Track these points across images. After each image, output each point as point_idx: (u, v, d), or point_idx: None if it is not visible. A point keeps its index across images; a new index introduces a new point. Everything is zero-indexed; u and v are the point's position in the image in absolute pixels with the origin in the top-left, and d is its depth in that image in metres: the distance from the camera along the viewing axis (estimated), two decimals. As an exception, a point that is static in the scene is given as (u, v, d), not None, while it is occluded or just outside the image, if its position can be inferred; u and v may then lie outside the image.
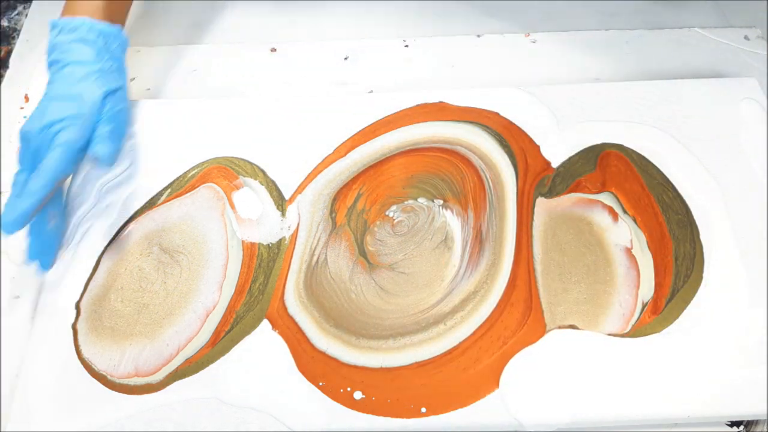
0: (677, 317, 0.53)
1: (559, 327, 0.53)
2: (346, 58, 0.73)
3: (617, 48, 0.72)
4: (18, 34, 0.77)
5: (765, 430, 0.52)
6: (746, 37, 0.73)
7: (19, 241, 0.57)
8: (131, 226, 0.59)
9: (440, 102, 0.66)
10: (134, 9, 0.77)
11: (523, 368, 0.51)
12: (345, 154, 0.62)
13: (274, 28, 0.76)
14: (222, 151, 0.63)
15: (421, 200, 0.60)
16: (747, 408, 0.50)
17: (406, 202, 0.60)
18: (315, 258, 0.57)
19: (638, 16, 0.75)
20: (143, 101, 0.66)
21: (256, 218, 0.59)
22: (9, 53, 0.74)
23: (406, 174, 0.62)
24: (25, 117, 0.68)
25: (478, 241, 0.57)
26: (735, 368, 0.51)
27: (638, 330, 0.52)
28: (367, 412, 0.50)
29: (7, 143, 0.66)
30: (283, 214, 0.59)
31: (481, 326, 0.53)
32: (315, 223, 0.59)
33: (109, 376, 0.51)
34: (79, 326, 0.54)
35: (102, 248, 0.58)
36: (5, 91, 0.70)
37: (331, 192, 0.60)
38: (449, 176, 0.61)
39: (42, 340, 0.53)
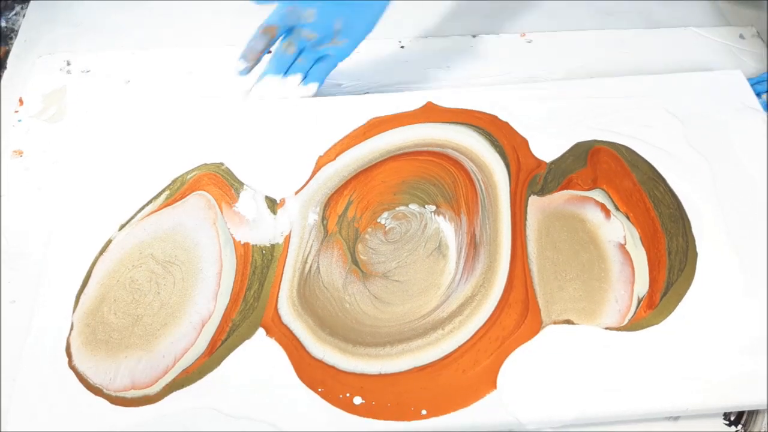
0: (673, 310, 0.54)
1: (554, 322, 0.54)
2: (341, 59, 0.72)
3: (613, 47, 0.73)
4: (16, 35, 0.77)
5: (763, 429, 0.53)
6: (741, 36, 0.74)
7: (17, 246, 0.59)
8: (121, 236, 0.59)
9: (431, 103, 0.67)
10: (129, 12, 0.76)
11: (522, 367, 0.52)
12: (335, 158, 0.64)
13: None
14: (213, 156, 0.64)
15: (412, 206, 0.61)
16: (747, 398, 0.51)
17: (397, 209, 0.61)
18: (308, 266, 0.58)
19: (634, 16, 0.74)
20: (137, 104, 0.67)
21: (250, 221, 0.60)
22: (7, 53, 0.74)
23: (397, 179, 0.63)
24: (20, 120, 0.67)
25: (472, 246, 0.58)
26: (733, 359, 0.52)
27: (634, 324, 0.53)
28: (368, 417, 0.50)
29: (7, 142, 0.67)
30: (276, 219, 0.60)
31: (479, 329, 0.54)
32: (307, 229, 0.60)
33: (105, 390, 0.52)
34: (72, 340, 0.54)
35: (92, 260, 0.58)
36: (4, 91, 0.72)
37: (321, 198, 0.62)
38: (440, 181, 0.62)
39: (36, 356, 0.53)
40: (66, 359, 0.53)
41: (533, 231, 0.58)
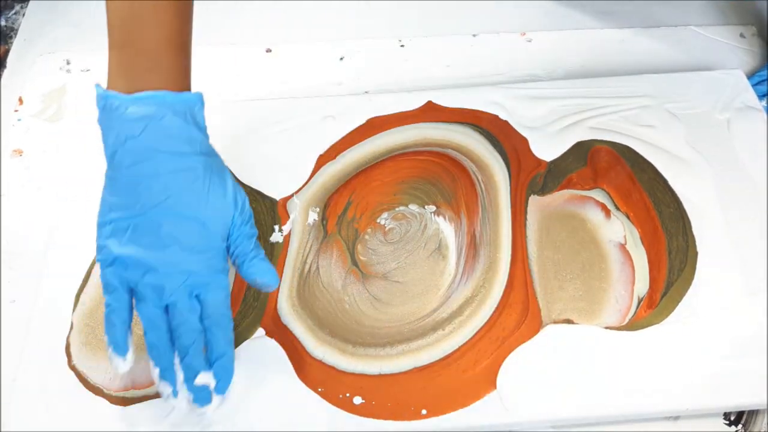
0: (673, 310, 0.54)
1: (555, 322, 0.54)
2: (341, 59, 0.74)
3: (613, 47, 0.73)
4: (15, 34, 0.77)
5: (763, 429, 0.53)
6: (742, 35, 0.74)
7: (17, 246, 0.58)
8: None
9: (431, 103, 0.67)
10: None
11: (522, 367, 0.52)
12: (335, 157, 0.64)
13: (270, 29, 0.75)
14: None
15: (412, 207, 0.61)
16: (747, 398, 0.51)
17: (397, 209, 0.61)
18: (307, 267, 0.58)
19: (634, 16, 0.74)
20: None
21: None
22: (7, 52, 0.74)
23: (397, 179, 0.63)
24: (19, 120, 0.67)
25: (472, 247, 0.58)
26: (733, 359, 0.52)
27: (634, 324, 0.53)
28: (368, 416, 0.50)
29: (7, 142, 0.67)
30: (275, 219, 0.60)
31: (479, 330, 0.54)
32: (306, 229, 0.60)
33: (105, 390, 0.52)
34: (72, 340, 0.54)
35: (92, 260, 0.58)
36: (3, 90, 0.71)
37: (322, 197, 0.62)
38: (440, 181, 0.63)
39: (36, 356, 0.53)
40: (66, 359, 0.53)
41: (533, 231, 0.58)
